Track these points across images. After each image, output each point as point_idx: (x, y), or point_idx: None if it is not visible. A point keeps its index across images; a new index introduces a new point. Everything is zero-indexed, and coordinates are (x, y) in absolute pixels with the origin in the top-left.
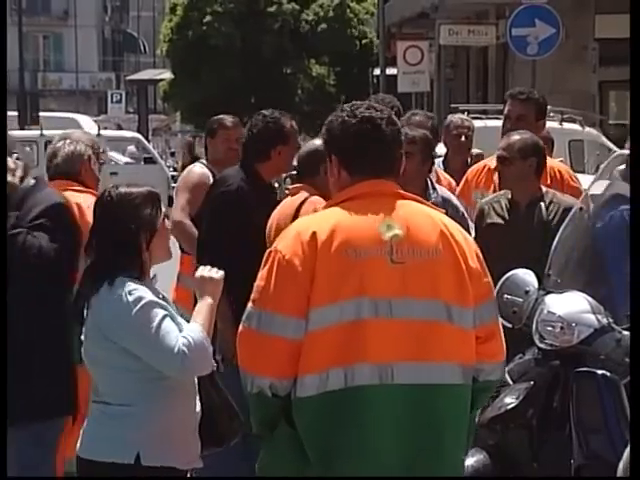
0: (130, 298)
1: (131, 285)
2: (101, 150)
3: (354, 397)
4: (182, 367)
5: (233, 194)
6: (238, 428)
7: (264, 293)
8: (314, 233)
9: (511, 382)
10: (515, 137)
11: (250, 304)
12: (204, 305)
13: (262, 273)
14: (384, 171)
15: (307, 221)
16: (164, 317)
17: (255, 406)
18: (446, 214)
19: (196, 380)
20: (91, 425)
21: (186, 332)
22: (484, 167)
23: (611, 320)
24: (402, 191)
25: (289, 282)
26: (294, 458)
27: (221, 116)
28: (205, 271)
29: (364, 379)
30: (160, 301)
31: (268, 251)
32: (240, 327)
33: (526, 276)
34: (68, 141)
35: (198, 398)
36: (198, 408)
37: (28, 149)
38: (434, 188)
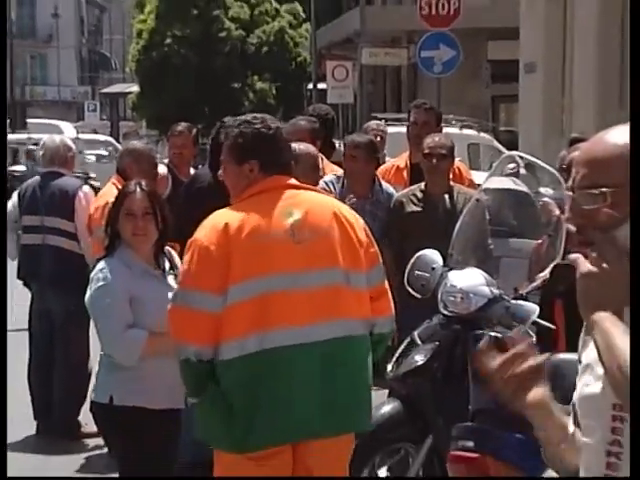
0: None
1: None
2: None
3: (269, 357)
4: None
5: (205, 190)
6: None
7: (187, 275)
8: (226, 224)
9: (420, 343)
10: (441, 138)
11: (177, 286)
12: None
13: (185, 259)
14: (285, 168)
15: (220, 214)
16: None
17: (184, 372)
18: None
19: None
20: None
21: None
22: (392, 166)
23: (501, 291)
24: (298, 183)
25: (207, 265)
26: (221, 414)
27: (175, 125)
28: None
29: (276, 341)
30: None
31: (189, 241)
32: (169, 306)
33: (433, 255)
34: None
35: None
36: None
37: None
38: (380, 185)
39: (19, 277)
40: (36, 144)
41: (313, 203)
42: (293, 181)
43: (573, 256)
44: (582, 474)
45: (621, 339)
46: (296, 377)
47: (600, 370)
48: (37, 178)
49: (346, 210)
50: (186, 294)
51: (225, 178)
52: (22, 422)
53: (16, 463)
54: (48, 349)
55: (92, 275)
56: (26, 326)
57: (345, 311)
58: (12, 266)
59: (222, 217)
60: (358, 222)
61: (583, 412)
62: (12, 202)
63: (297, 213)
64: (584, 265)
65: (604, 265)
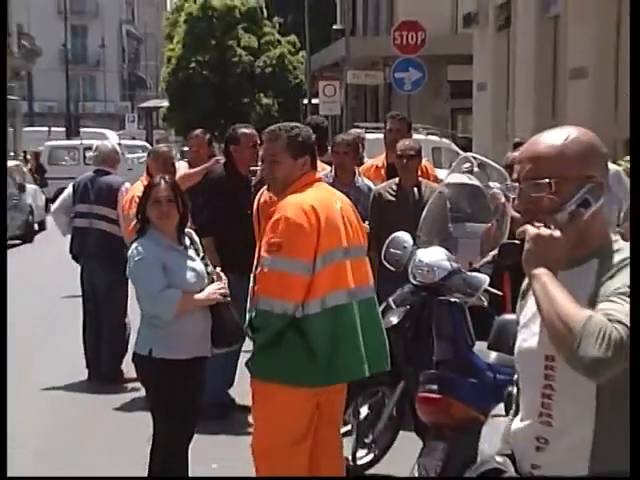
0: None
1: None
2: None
3: (338, 312)
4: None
5: (216, 181)
6: (240, 335)
7: (282, 246)
8: (312, 206)
9: (394, 307)
10: (412, 142)
11: (274, 254)
12: (203, 295)
13: (276, 234)
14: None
15: (301, 198)
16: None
17: (273, 323)
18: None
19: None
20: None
21: (168, 291)
22: (372, 165)
23: (459, 265)
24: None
25: (302, 238)
26: (305, 356)
27: (193, 130)
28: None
29: (341, 300)
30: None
31: (278, 218)
32: (267, 269)
33: (404, 236)
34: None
35: (210, 311)
36: (209, 318)
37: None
38: (360, 176)
39: (70, 253)
40: (88, 148)
41: (332, 190)
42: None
43: (523, 227)
44: (522, 411)
45: (557, 290)
46: (354, 328)
47: (535, 328)
48: (90, 174)
49: (346, 199)
50: (283, 261)
51: (276, 169)
52: (77, 371)
53: (72, 402)
54: (96, 312)
55: (129, 253)
56: (78, 293)
57: (368, 278)
58: (65, 242)
59: (305, 200)
60: (353, 207)
61: (521, 362)
62: (68, 192)
63: (338, 201)
64: (533, 229)
65: (550, 230)
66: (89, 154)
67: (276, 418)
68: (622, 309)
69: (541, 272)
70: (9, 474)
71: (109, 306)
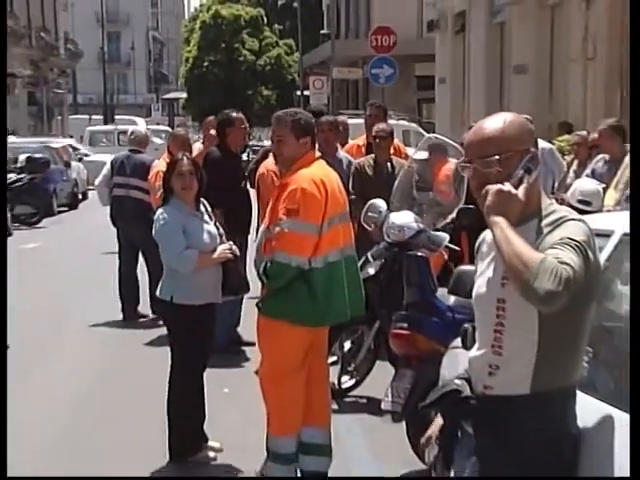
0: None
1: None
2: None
3: (333, 266)
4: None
5: (213, 159)
6: (245, 285)
7: (299, 211)
8: (322, 180)
9: (372, 260)
10: (384, 126)
11: (293, 218)
12: (215, 254)
13: (294, 201)
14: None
15: (312, 173)
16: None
17: (286, 273)
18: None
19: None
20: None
21: (187, 251)
22: (354, 145)
23: (424, 226)
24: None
25: (315, 205)
26: (309, 299)
27: (206, 117)
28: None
29: (336, 257)
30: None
31: (293, 189)
32: (287, 230)
33: (380, 203)
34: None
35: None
36: (220, 272)
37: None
38: (340, 150)
39: (110, 217)
40: (122, 132)
41: (324, 165)
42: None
43: (488, 186)
44: (478, 343)
45: (514, 234)
46: (342, 280)
47: (489, 277)
48: (125, 152)
49: (335, 172)
50: (300, 224)
51: (283, 148)
52: (114, 313)
53: (111, 336)
54: (132, 263)
55: (155, 217)
56: (113, 250)
57: (351, 238)
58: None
59: (316, 175)
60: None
61: (478, 305)
62: (107, 167)
63: (327, 172)
64: (496, 185)
65: (508, 189)
66: (122, 137)
67: (281, 350)
68: (565, 254)
69: (500, 220)
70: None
71: (147, 255)
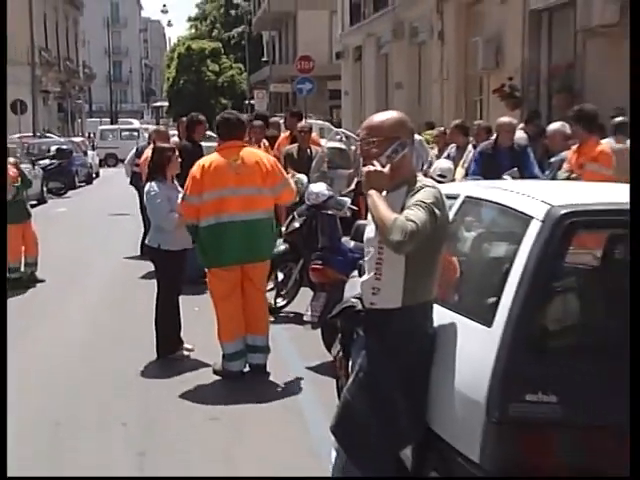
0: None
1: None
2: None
3: (220, 226)
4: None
5: (185, 147)
6: None
7: (187, 187)
8: (202, 163)
9: (297, 217)
10: (306, 123)
11: (185, 192)
12: None
13: (188, 181)
14: (235, 137)
15: (203, 159)
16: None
17: (188, 229)
18: None
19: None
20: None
21: (170, 214)
22: (284, 136)
23: (333, 193)
24: (243, 143)
25: (195, 183)
26: (200, 250)
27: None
28: None
29: (223, 219)
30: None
31: (191, 171)
32: (180, 200)
33: (303, 178)
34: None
35: None
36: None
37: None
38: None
39: (130, 184)
40: (123, 130)
41: (246, 153)
42: (235, 143)
43: (363, 168)
44: (366, 273)
45: (380, 202)
46: (231, 236)
47: (373, 226)
48: (144, 143)
49: (263, 155)
50: (187, 195)
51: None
52: (117, 255)
53: (115, 271)
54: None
55: (146, 189)
56: (119, 212)
57: (254, 207)
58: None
59: (203, 160)
60: (270, 161)
61: (367, 245)
62: (132, 152)
63: (238, 158)
64: (367, 167)
65: (376, 167)
66: (123, 133)
67: (211, 285)
68: (414, 213)
69: (372, 192)
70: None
71: (145, 213)
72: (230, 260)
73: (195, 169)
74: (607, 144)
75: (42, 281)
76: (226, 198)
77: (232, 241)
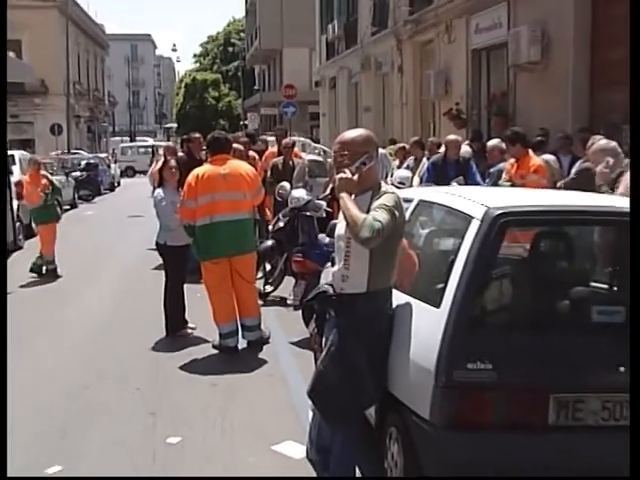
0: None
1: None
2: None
3: (213, 225)
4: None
5: (184, 160)
6: None
7: (184, 193)
8: (197, 173)
9: (282, 217)
10: (289, 139)
11: (182, 197)
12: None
13: (184, 188)
14: (223, 151)
15: (197, 169)
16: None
17: (186, 229)
18: None
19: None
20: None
21: (174, 215)
22: (272, 151)
23: (313, 198)
24: (230, 157)
25: (190, 189)
26: (197, 246)
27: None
28: None
29: (215, 220)
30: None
31: (187, 179)
32: (179, 205)
33: (286, 184)
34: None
35: None
36: None
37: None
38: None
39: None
40: (140, 147)
41: (233, 164)
42: (222, 156)
43: (336, 175)
44: (336, 263)
45: (351, 204)
46: (222, 232)
47: (344, 223)
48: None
49: (246, 165)
50: (184, 200)
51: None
52: (134, 250)
53: (132, 263)
54: None
55: (154, 195)
56: (136, 214)
57: (240, 209)
58: (128, 193)
59: (197, 170)
60: (251, 171)
61: (337, 240)
62: (152, 166)
63: (226, 168)
64: (340, 175)
65: (347, 175)
66: (140, 150)
67: (205, 274)
68: (379, 214)
69: (344, 195)
70: None
71: None
72: (221, 252)
73: (190, 178)
74: (542, 159)
75: (63, 274)
76: (217, 201)
77: (223, 237)
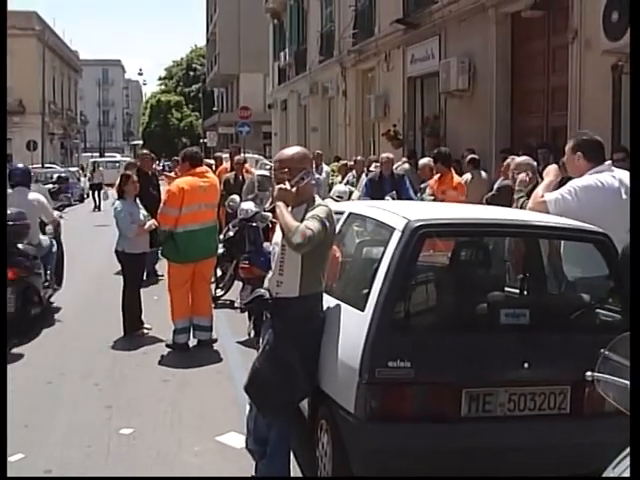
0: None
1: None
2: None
3: (191, 232)
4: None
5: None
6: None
7: (167, 201)
8: (182, 186)
9: (232, 227)
10: (242, 157)
11: (162, 205)
12: (146, 226)
13: (165, 198)
14: (198, 164)
15: (179, 180)
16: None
17: (162, 235)
18: None
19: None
20: None
21: (132, 225)
22: (225, 166)
23: (260, 210)
24: (206, 169)
25: (174, 199)
26: (175, 249)
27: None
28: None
29: (194, 227)
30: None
31: (167, 189)
32: (160, 212)
33: (236, 197)
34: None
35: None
36: (148, 234)
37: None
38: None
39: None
40: (109, 162)
41: (209, 177)
42: (203, 169)
43: (277, 186)
44: (272, 269)
45: (287, 213)
46: (200, 239)
47: (279, 232)
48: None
49: (215, 179)
50: (166, 208)
51: (179, 168)
52: (99, 253)
53: (98, 268)
54: None
55: (114, 206)
56: (100, 224)
57: (211, 218)
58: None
59: (180, 181)
60: (217, 184)
61: (274, 248)
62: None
63: (205, 181)
64: (279, 186)
65: (286, 186)
66: (109, 165)
67: (170, 275)
68: (311, 223)
69: (281, 204)
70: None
71: None
72: (197, 256)
73: (174, 188)
74: (462, 178)
75: None
76: (198, 211)
77: (200, 242)
